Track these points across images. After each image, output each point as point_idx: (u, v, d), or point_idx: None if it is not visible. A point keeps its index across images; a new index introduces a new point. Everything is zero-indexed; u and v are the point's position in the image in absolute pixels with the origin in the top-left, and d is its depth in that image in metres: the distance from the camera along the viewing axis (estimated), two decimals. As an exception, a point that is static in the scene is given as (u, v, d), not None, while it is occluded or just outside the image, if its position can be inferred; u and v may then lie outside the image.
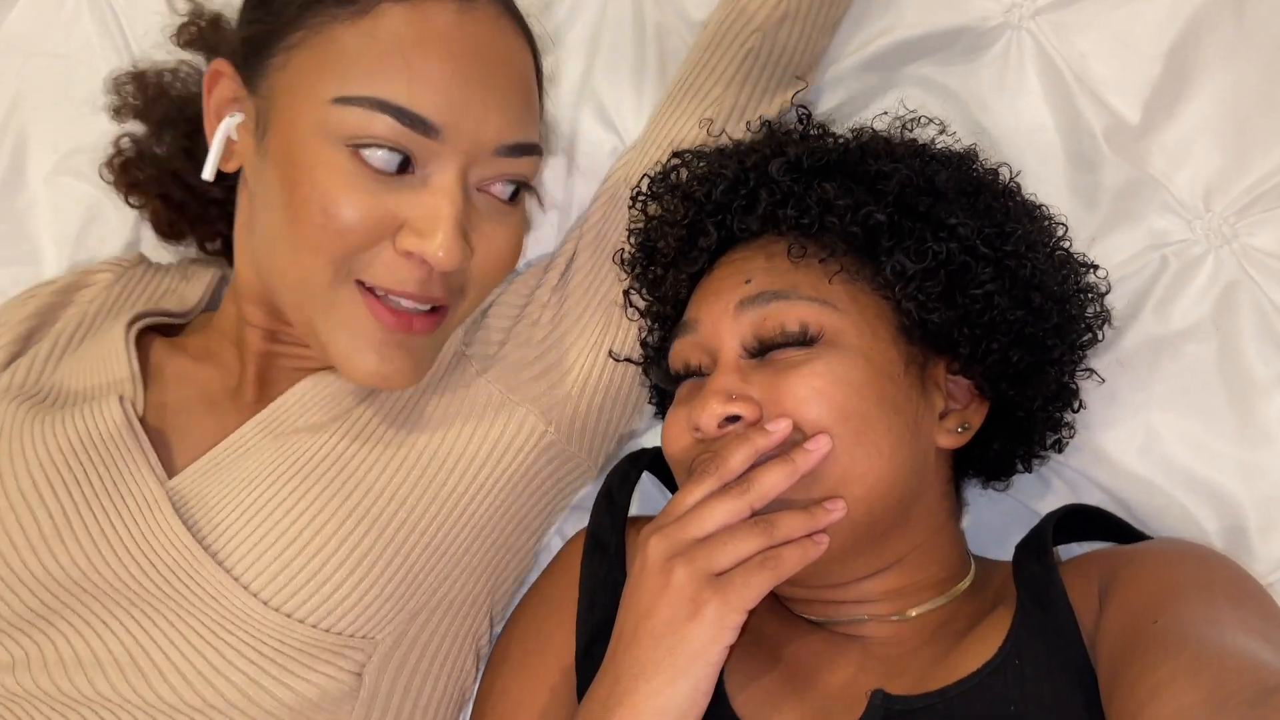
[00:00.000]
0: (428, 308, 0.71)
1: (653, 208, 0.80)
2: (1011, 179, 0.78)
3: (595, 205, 0.87)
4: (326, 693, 0.68)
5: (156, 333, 0.83)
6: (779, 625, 0.75)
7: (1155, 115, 0.85)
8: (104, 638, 0.65)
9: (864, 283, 0.72)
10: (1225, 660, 0.56)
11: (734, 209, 0.75)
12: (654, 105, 0.91)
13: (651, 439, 0.92)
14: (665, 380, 0.78)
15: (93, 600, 0.66)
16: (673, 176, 0.80)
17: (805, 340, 0.69)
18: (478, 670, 0.81)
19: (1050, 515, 0.76)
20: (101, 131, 0.89)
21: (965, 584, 0.74)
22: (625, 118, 0.93)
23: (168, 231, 0.90)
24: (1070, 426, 0.80)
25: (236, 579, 0.66)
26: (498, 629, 0.82)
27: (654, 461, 0.83)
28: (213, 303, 0.89)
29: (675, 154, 0.80)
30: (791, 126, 0.80)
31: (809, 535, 0.64)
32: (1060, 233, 0.78)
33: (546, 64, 0.81)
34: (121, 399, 0.72)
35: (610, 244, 0.84)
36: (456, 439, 0.76)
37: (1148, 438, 0.83)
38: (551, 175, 0.94)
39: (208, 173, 0.72)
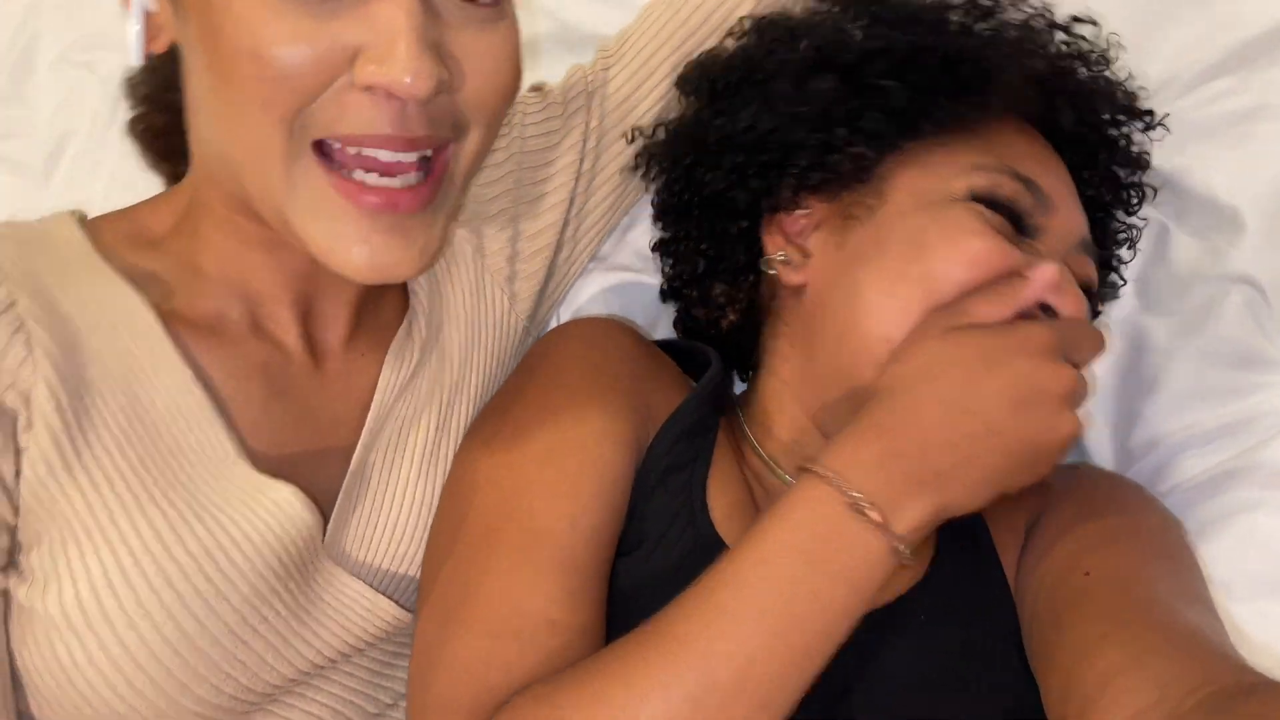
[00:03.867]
0: (414, 175, 0.58)
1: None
2: None
3: (620, 67, 0.84)
4: None
5: None
6: (758, 477, 0.75)
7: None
8: (315, 698, 0.68)
9: None
10: (1173, 648, 0.55)
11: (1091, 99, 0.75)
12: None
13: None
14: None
15: (308, 677, 0.67)
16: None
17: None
18: None
19: None
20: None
21: None
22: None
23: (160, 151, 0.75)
24: None
25: (406, 608, 0.70)
26: None
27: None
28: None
29: None
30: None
31: None
32: None
33: None
34: (300, 498, 0.63)
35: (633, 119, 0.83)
36: (492, 373, 0.78)
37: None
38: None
39: (135, 55, 0.61)
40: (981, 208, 0.67)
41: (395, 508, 0.70)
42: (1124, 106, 0.76)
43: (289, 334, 0.68)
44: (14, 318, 0.57)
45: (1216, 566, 0.73)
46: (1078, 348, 0.63)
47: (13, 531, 0.58)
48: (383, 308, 0.74)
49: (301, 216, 0.57)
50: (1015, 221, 0.68)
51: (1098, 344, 0.65)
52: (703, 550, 0.67)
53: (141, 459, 0.59)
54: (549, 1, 0.98)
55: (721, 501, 0.70)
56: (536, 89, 0.85)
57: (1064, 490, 0.70)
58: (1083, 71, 0.75)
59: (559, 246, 0.83)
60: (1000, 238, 0.66)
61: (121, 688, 0.57)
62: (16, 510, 0.57)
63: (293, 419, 0.67)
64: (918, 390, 0.60)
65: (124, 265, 0.64)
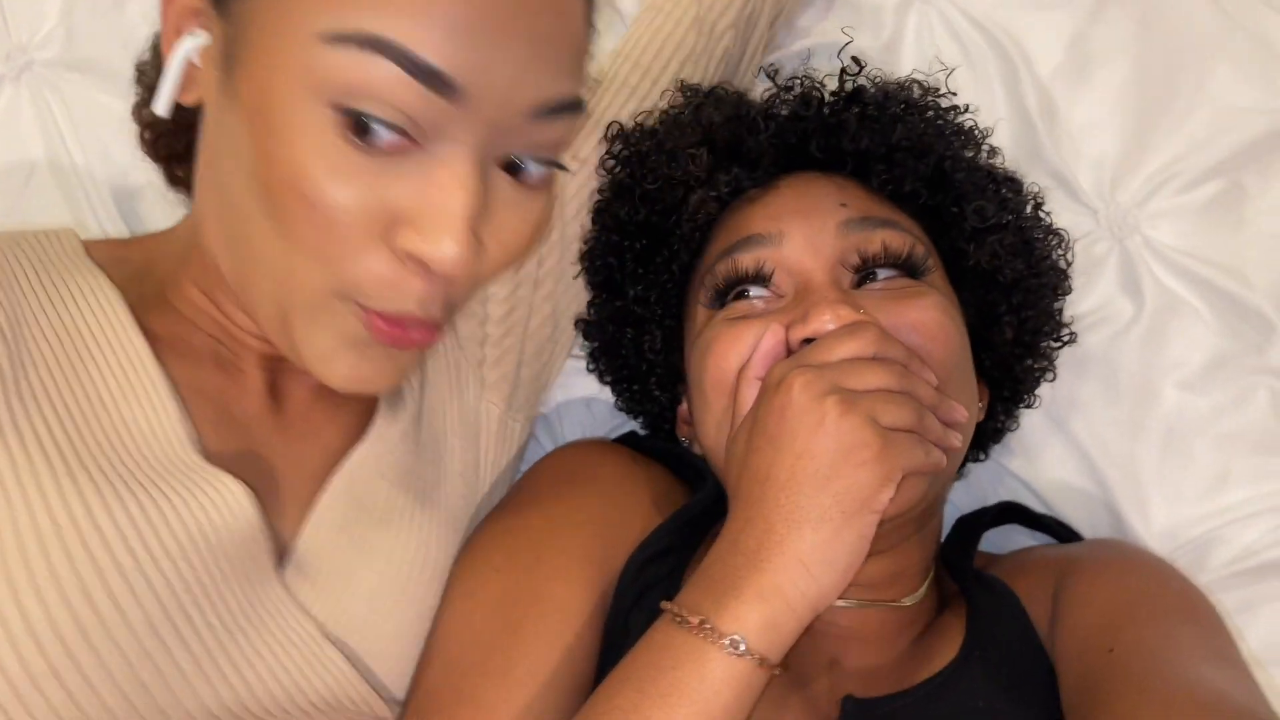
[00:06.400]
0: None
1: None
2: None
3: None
4: None
5: None
6: None
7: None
8: None
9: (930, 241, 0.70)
10: (1199, 710, 0.55)
11: (806, 132, 0.71)
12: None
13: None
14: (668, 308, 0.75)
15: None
16: (700, 109, 0.74)
17: (917, 269, 0.66)
18: None
19: (981, 517, 0.79)
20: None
21: (932, 574, 0.73)
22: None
23: (150, 147, 0.73)
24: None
25: (380, 694, 0.63)
26: None
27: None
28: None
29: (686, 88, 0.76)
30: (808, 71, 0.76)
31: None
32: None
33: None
34: (248, 490, 0.58)
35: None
36: (469, 462, 0.76)
37: (1053, 430, 0.86)
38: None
39: (162, 106, 0.57)
40: None
41: (369, 574, 0.64)
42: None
43: (252, 375, 0.65)
44: None
45: (1256, 645, 0.77)
46: (845, 374, 0.58)
47: None
48: None
49: (309, 327, 0.56)
50: None
51: (862, 343, 0.59)
52: None
53: (79, 430, 0.56)
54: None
55: None
56: None
57: (1082, 561, 0.71)
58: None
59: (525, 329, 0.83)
60: None
61: (15, 676, 0.50)
62: None
63: (245, 446, 0.63)
64: (739, 494, 0.59)
65: (104, 265, 0.63)
